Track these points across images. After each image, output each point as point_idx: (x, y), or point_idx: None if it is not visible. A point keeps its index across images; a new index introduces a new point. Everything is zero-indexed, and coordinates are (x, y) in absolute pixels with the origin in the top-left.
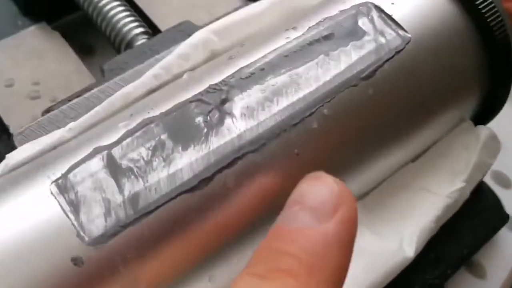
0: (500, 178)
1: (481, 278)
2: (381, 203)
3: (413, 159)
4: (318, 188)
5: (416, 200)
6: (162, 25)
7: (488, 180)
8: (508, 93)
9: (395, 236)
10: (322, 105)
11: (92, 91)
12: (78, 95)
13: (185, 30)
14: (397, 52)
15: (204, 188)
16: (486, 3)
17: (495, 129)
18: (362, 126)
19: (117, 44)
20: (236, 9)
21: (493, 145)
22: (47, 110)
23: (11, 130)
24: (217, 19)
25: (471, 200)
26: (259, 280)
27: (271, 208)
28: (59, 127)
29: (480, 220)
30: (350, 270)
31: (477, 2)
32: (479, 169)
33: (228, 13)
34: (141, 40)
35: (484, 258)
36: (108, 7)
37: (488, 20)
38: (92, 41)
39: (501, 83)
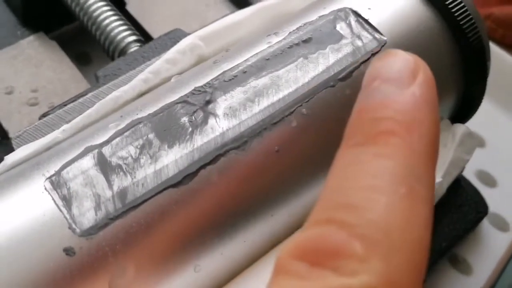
0: (485, 178)
1: (467, 274)
2: None
3: None
4: (392, 61)
5: None
6: (155, 33)
7: (473, 179)
8: (483, 92)
9: None
10: (301, 105)
11: (86, 96)
12: (73, 100)
13: (175, 37)
14: (373, 54)
15: (189, 183)
16: (458, 7)
17: (479, 128)
18: (339, 125)
19: (111, 52)
20: (223, 16)
21: (469, 142)
22: (44, 115)
23: (11, 134)
24: (204, 26)
25: (450, 195)
26: (362, 148)
27: (252, 201)
28: (54, 130)
29: (459, 213)
30: None
31: (450, 6)
32: (455, 165)
33: (215, 20)
34: (134, 48)
35: (470, 254)
36: (102, 16)
37: (460, 23)
38: (88, 50)
39: (476, 83)
